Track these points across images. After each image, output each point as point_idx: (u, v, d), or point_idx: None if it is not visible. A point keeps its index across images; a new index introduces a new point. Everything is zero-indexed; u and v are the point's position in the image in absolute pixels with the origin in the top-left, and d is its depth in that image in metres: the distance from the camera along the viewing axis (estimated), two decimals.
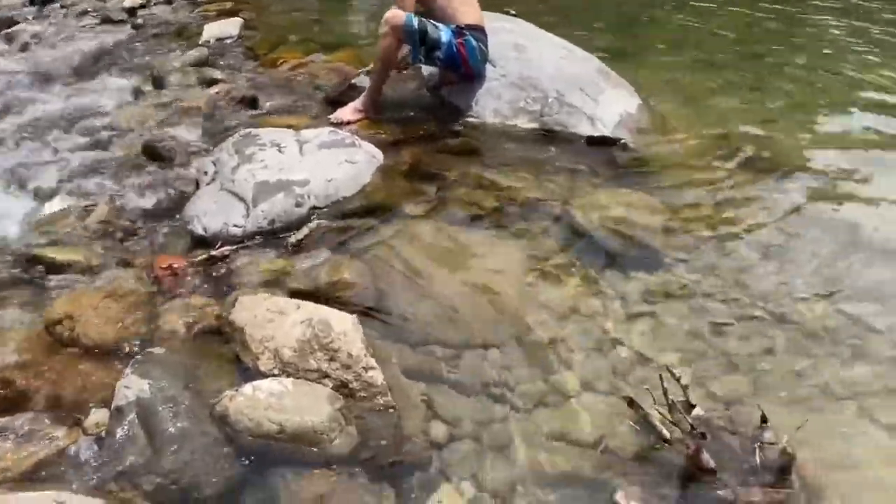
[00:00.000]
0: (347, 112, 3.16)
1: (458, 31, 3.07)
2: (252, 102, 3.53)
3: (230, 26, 4.73)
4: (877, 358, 1.92)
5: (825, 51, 4.49)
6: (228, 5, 5.62)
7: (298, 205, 2.36)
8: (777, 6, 5.63)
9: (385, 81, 3.18)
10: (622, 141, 2.97)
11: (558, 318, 2.04)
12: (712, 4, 5.84)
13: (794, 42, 4.67)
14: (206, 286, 2.13)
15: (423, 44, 3.04)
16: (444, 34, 3.04)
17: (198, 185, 2.60)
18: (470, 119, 3.19)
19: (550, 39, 3.54)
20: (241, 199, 2.37)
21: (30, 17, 5.71)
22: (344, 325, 1.72)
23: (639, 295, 2.12)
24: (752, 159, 2.91)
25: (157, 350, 1.78)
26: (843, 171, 2.86)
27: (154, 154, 3.05)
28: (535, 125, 3.07)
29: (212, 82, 3.86)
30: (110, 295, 1.99)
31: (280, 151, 2.59)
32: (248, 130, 2.75)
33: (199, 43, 4.53)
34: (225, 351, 1.84)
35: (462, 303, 2.08)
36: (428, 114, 3.30)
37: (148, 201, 2.68)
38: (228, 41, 4.60)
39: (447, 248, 2.34)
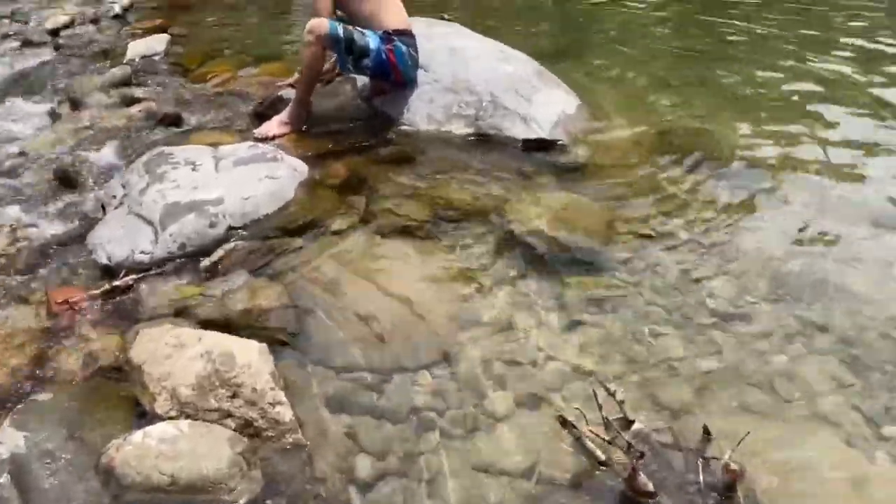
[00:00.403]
0: (273, 126, 3.00)
1: (387, 37, 2.95)
2: (175, 120, 3.33)
3: (156, 43, 4.52)
4: (824, 358, 1.83)
5: (764, 46, 4.48)
6: (158, 22, 5.40)
7: (213, 225, 2.19)
8: (714, 3, 5.66)
9: (311, 92, 3.03)
10: (559, 143, 2.87)
11: (491, 333, 1.90)
12: (649, 3, 5.85)
13: (733, 39, 4.66)
14: (107, 320, 1.94)
15: (351, 52, 2.90)
16: (371, 41, 2.91)
17: (104, 210, 2.40)
18: (403, 127, 3.06)
19: (485, 42, 3.44)
20: (149, 223, 2.19)
21: None
22: (249, 356, 1.56)
23: (576, 304, 2.00)
24: (693, 157, 2.83)
25: (43, 396, 1.59)
26: (785, 167, 2.80)
27: (65, 179, 2.83)
28: (469, 130, 2.95)
29: (133, 101, 3.65)
30: None
31: (194, 170, 2.41)
32: (160, 149, 2.57)
33: (124, 62, 4.32)
34: (123, 392, 1.66)
35: (389, 323, 1.93)
36: (359, 124, 3.15)
37: (55, 230, 2.47)
38: (155, 58, 4.39)
39: (375, 264, 2.19)
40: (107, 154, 3.07)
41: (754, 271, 2.19)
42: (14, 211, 2.66)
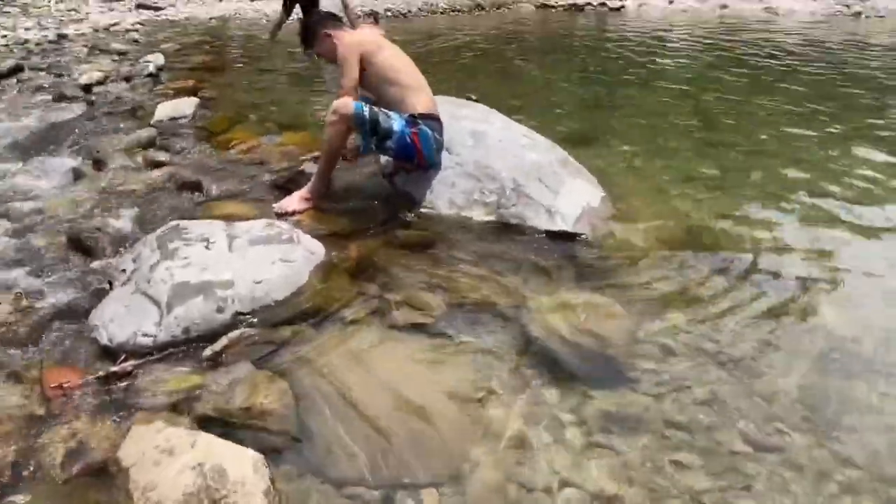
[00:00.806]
0: (293, 201, 2.96)
1: (412, 121, 2.93)
2: (195, 187, 3.33)
3: (185, 105, 4.59)
4: (865, 496, 1.68)
5: (795, 140, 4.45)
6: (190, 83, 5.52)
7: (220, 310, 2.11)
8: (738, 94, 5.68)
9: (332, 169, 3.01)
10: (583, 236, 2.79)
11: (505, 449, 1.78)
12: (671, 88, 5.90)
13: (763, 131, 4.64)
14: (101, 409, 1.84)
15: (375, 133, 2.88)
16: (396, 123, 2.90)
17: (111, 285, 2.34)
18: (424, 210, 3.01)
19: (511, 126, 3.43)
20: (156, 303, 2.11)
21: None
22: (243, 471, 1.44)
23: (596, 420, 1.87)
24: (719, 259, 2.74)
25: (21, 498, 1.48)
26: (817, 275, 2.70)
27: (78, 245, 2.80)
28: (491, 217, 2.90)
29: (156, 165, 3.66)
30: None
31: (207, 247, 2.36)
32: (175, 223, 2.52)
33: (151, 123, 4.37)
34: (106, 499, 1.54)
35: (398, 431, 1.82)
36: (379, 203, 3.12)
37: (60, 300, 2.41)
38: (182, 121, 4.44)
39: (386, 362, 2.09)
40: (123, 221, 3.04)
41: (785, 393, 2.05)
42: (21, 275, 2.61)
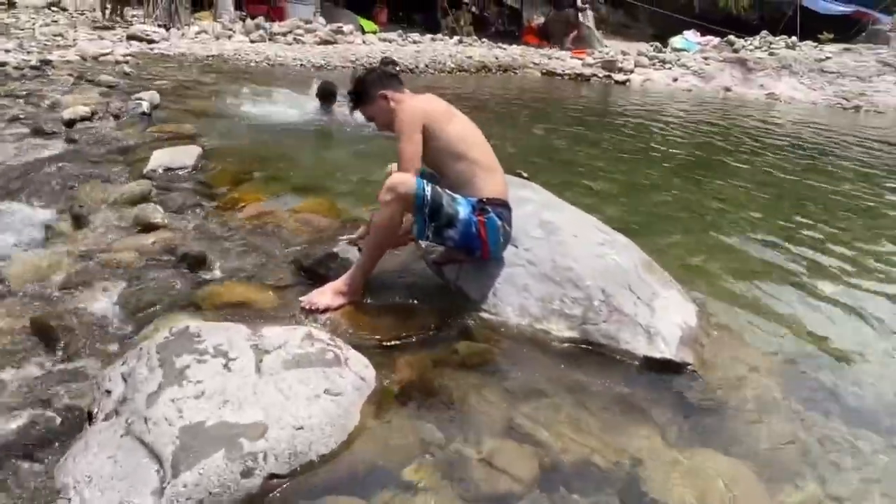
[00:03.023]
0: (326, 296, 2.37)
1: (479, 206, 2.40)
2: (199, 263, 2.72)
3: (185, 155, 4.00)
4: None
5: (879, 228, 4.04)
6: (187, 127, 4.95)
7: (248, 472, 1.49)
8: (810, 172, 5.32)
9: (379, 259, 2.44)
10: (689, 367, 2.25)
11: None
12: (715, 163, 5.52)
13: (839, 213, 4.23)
14: None
15: (435, 219, 2.34)
16: (461, 209, 2.36)
17: (91, 417, 1.70)
18: (485, 315, 2.45)
19: (582, 216, 2.92)
20: (156, 458, 1.48)
21: None
22: None
23: None
24: (843, 403, 2.23)
25: None
26: None
27: (45, 334, 2.17)
28: (574, 334, 2.34)
29: (150, 227, 3.04)
30: None
31: (227, 367, 1.74)
32: (184, 326, 1.91)
33: (143, 173, 3.76)
34: None
35: None
36: (429, 301, 2.54)
37: (13, 432, 1.75)
38: (181, 173, 3.84)
39: None
40: (106, 302, 2.41)
41: None
42: None
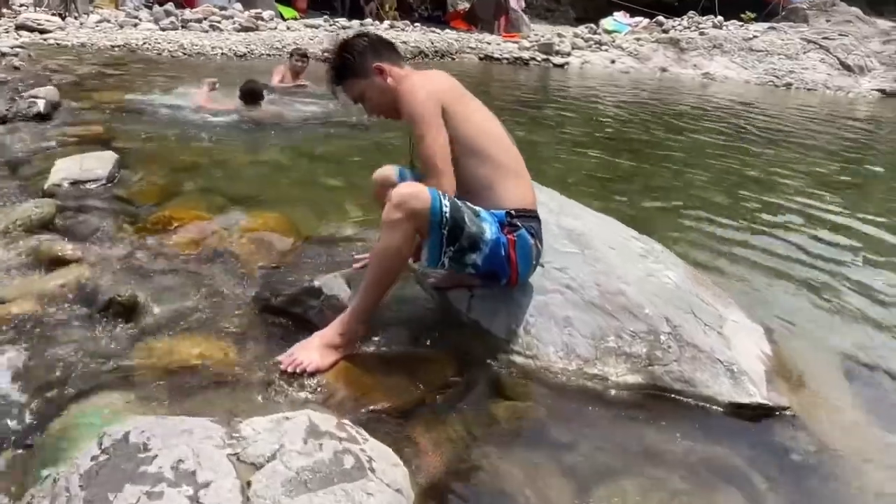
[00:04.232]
0: (313, 351, 1.76)
1: (508, 221, 1.85)
2: (128, 310, 2.04)
3: (97, 163, 3.23)
4: None
5: None
6: (96, 129, 4.13)
7: None
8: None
9: (384, 296, 1.84)
10: (788, 410, 1.79)
11: None
12: (713, 149, 5.15)
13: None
14: None
15: (453, 241, 1.77)
16: (487, 227, 1.80)
17: None
18: (519, 358, 1.91)
19: (604, 220, 2.42)
20: None
21: None
22: None
23: None
24: None
25: None
26: None
27: None
28: (638, 379, 1.83)
29: (57, 263, 2.32)
30: None
31: (196, 500, 1.12)
32: (120, 433, 1.26)
33: (45, 189, 2.99)
34: None
35: None
36: (442, 341, 1.98)
37: None
38: (93, 187, 3.08)
39: None
40: (1, 378, 1.71)
41: None
42: None
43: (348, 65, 1.99)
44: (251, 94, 5.02)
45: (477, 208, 1.82)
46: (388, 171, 2.13)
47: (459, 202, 1.78)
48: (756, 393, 1.78)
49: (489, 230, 1.80)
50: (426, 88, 1.88)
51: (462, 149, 1.85)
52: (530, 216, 1.91)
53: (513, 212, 1.87)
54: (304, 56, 6.40)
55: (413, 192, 1.70)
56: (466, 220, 1.77)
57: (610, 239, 2.23)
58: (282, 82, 6.10)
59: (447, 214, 1.73)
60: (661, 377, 1.81)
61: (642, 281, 2.02)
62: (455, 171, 1.84)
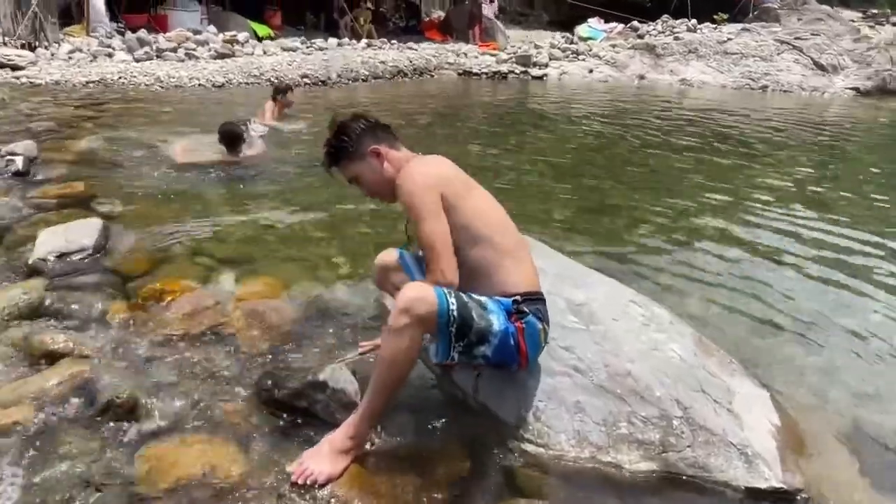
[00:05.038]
0: (324, 460, 1.72)
1: (515, 308, 1.83)
2: (128, 412, 1.99)
3: (83, 232, 3.15)
4: None
5: None
6: (78, 186, 4.04)
7: None
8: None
9: (392, 399, 1.81)
10: (802, 496, 1.78)
11: None
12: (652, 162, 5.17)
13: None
14: None
15: (462, 337, 1.75)
16: (495, 318, 1.78)
17: None
18: (529, 447, 1.89)
19: (606, 283, 2.41)
20: None
21: None
22: None
23: None
24: None
25: None
26: None
27: None
28: (652, 466, 1.82)
29: (48, 357, 2.26)
30: None
31: None
32: None
33: (29, 262, 2.91)
34: None
35: None
36: (448, 427, 1.96)
37: None
38: (80, 258, 3.01)
39: None
40: None
41: None
42: None
43: (345, 147, 1.96)
44: (230, 138, 4.90)
45: (483, 299, 1.80)
46: (390, 256, 2.11)
47: (465, 297, 1.76)
48: (772, 477, 1.77)
49: (497, 322, 1.78)
50: (424, 176, 1.86)
51: (463, 235, 1.84)
52: (536, 299, 1.90)
53: (519, 298, 1.85)
54: (288, 89, 6.45)
55: (419, 297, 1.67)
56: (474, 315, 1.74)
57: (613, 308, 2.22)
58: (272, 118, 6.16)
59: (454, 313, 1.70)
60: (675, 464, 1.80)
61: (648, 356, 2.01)
62: (457, 257, 1.82)
